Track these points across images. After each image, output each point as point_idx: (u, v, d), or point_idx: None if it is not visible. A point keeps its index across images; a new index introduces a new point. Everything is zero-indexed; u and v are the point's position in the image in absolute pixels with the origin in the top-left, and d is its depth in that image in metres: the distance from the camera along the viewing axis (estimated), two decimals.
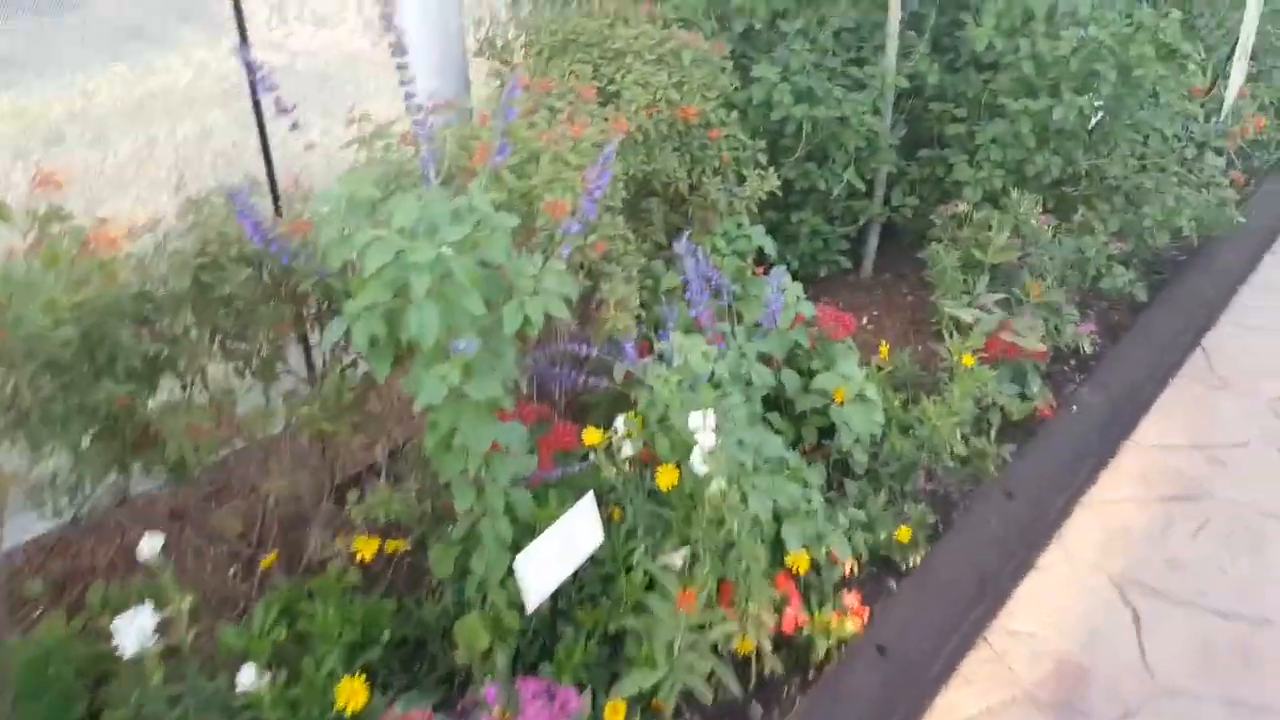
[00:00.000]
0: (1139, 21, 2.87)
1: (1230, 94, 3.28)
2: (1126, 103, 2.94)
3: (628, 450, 1.68)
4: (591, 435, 1.67)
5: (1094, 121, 2.96)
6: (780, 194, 2.70)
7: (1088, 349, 2.72)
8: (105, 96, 4.42)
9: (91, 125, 4.10)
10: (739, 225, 2.41)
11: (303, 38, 5.27)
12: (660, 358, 1.83)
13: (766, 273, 2.32)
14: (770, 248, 2.42)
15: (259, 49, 1.53)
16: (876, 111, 2.84)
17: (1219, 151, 3.52)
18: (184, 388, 1.57)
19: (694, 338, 1.75)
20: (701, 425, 1.57)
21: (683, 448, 1.64)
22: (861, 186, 2.82)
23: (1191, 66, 2.90)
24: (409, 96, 1.45)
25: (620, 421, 1.70)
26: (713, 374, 1.78)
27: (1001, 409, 2.46)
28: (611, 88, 2.25)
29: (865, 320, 2.97)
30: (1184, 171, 3.20)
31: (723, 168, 2.46)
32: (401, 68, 1.45)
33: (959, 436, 2.25)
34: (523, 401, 1.90)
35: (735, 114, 2.52)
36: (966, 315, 2.54)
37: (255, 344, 1.58)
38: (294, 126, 1.44)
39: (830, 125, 2.67)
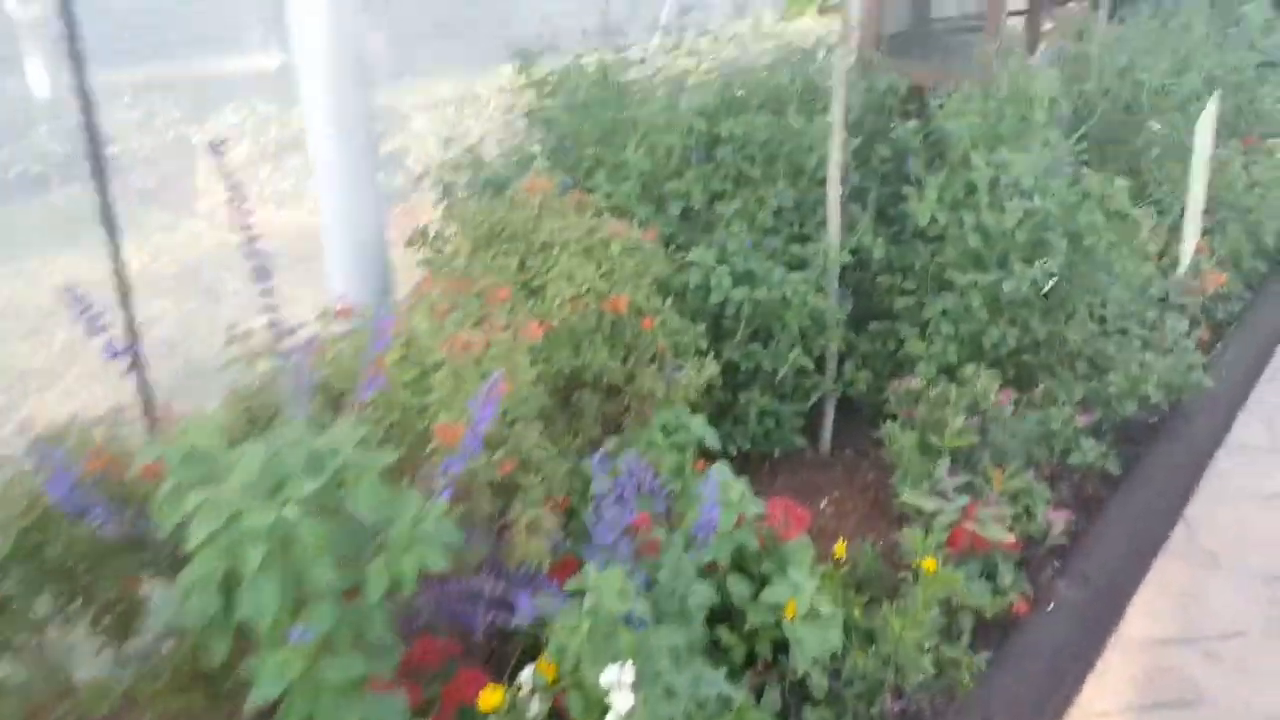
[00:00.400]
0: (1086, 189, 2.83)
1: (1185, 252, 3.23)
2: (1080, 269, 2.87)
3: (535, 709, 1.46)
4: (489, 696, 1.44)
5: (1049, 286, 2.88)
6: (726, 376, 2.58)
7: (1060, 535, 2.53)
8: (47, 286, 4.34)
9: (27, 319, 4.00)
10: (678, 416, 2.26)
11: (264, 216, 5.27)
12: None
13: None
14: (712, 439, 2.26)
15: (216, 230, 1.40)
16: (821, 289, 2.75)
17: (1182, 308, 3.45)
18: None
19: (610, 572, 1.55)
20: (617, 682, 1.35)
21: (599, 707, 1.42)
22: (809, 365, 2.69)
23: (1144, 233, 2.84)
24: (273, 324, 1.31)
25: (527, 674, 1.48)
26: (632, 612, 1.57)
27: (974, 610, 2.25)
28: (536, 282, 2.14)
29: (825, 503, 2.78)
30: (1147, 333, 3.11)
31: (659, 356, 2.33)
32: (265, 292, 1.32)
33: (925, 650, 2.03)
34: (423, 639, 1.68)
35: (672, 299, 2.42)
36: (927, 504, 2.36)
37: (102, 603, 1.37)
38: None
39: (772, 306, 2.57)
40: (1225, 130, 4.64)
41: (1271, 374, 3.62)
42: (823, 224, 2.82)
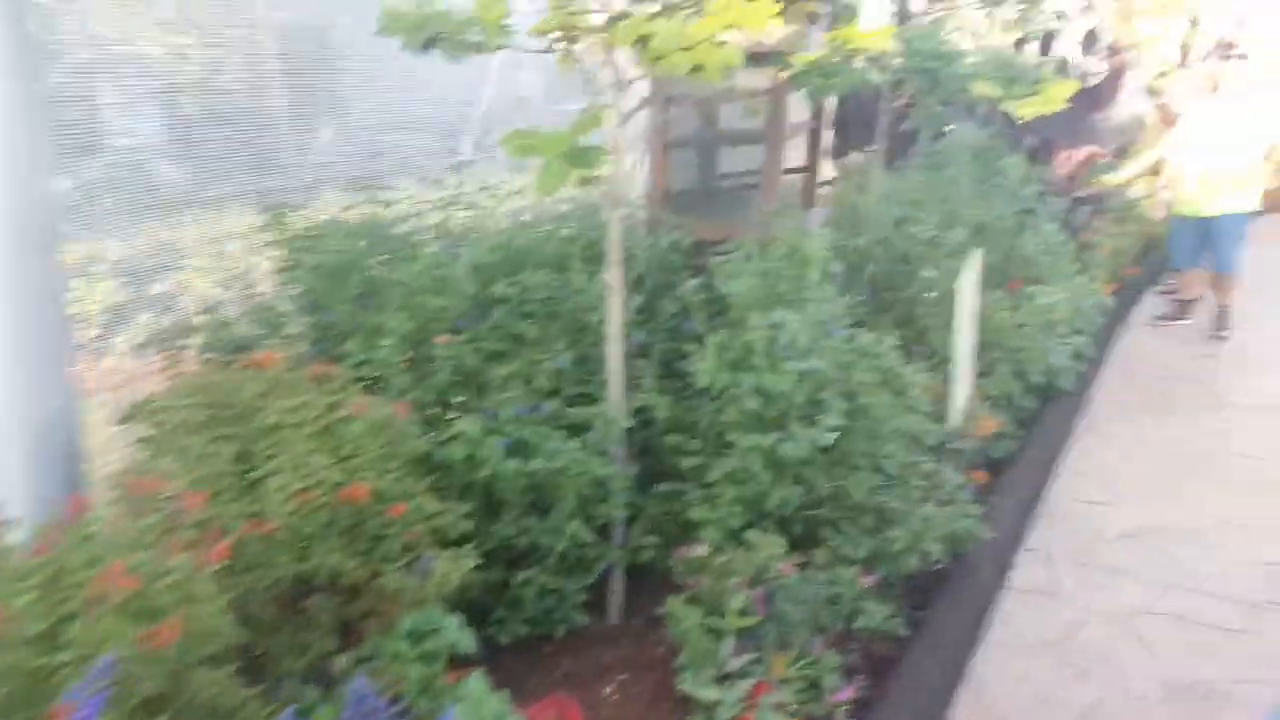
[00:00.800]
0: (859, 347, 2.88)
1: (958, 400, 3.34)
2: (858, 425, 2.89)
3: None
4: None
5: (831, 441, 2.88)
6: (500, 554, 2.37)
7: (846, 711, 2.42)
8: None
9: None
10: (429, 618, 2.02)
11: None
12: None
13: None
14: (468, 642, 2.03)
15: None
16: (603, 454, 2.62)
17: (959, 454, 3.55)
18: None
19: None
20: None
21: None
22: (589, 539, 2.53)
23: (914, 391, 2.90)
24: None
25: None
26: None
27: None
28: (259, 473, 1.89)
29: (609, 689, 2.57)
30: (926, 484, 3.15)
31: (414, 544, 2.10)
32: None
33: None
34: None
35: (435, 476, 2.22)
36: (708, 694, 2.21)
37: None
38: None
39: (550, 477, 2.41)
40: (995, 275, 4.99)
41: (1046, 512, 3.77)
42: (607, 384, 2.72)
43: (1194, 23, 9.21)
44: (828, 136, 6.72)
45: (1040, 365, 4.36)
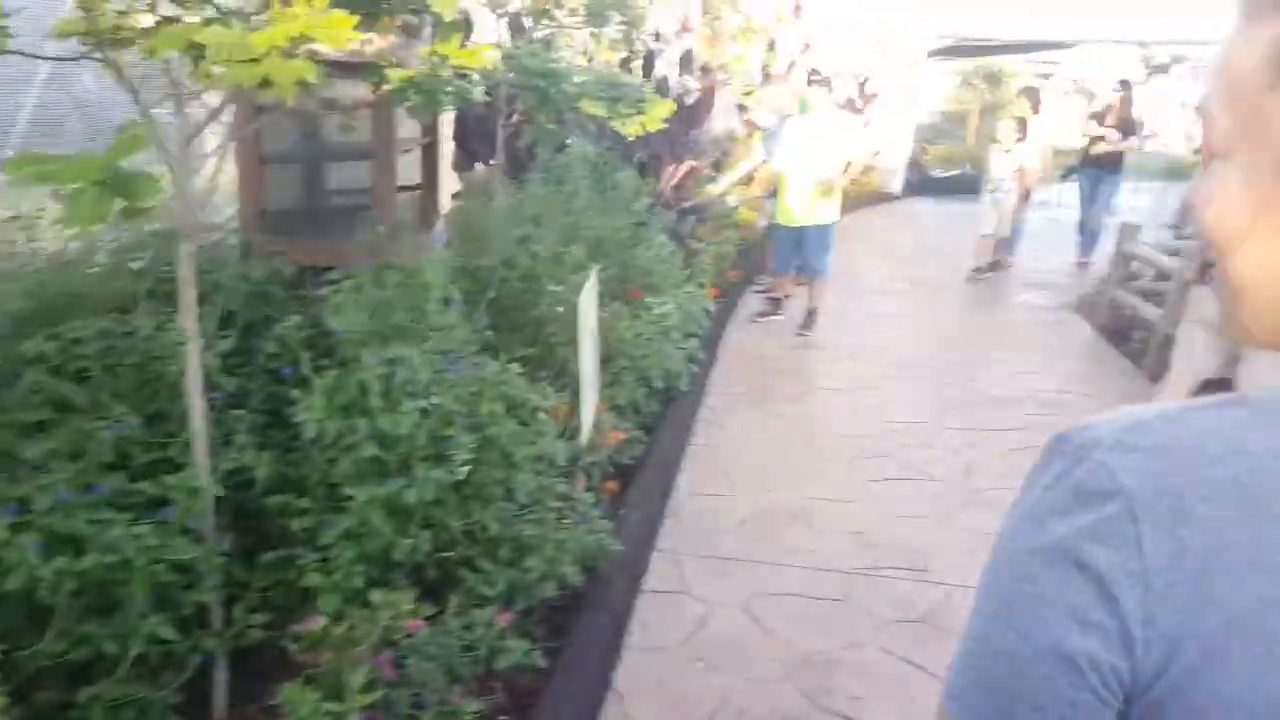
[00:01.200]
0: (483, 379, 2.78)
1: (586, 417, 3.38)
2: (489, 457, 2.79)
3: None
4: None
5: (461, 478, 2.75)
6: (55, 669, 1.93)
7: None
8: None
9: None
10: None
11: None
12: None
13: None
14: None
15: None
16: (188, 531, 2.25)
17: (590, 469, 3.61)
18: None
19: None
20: None
21: None
22: (172, 635, 2.15)
23: (542, 415, 2.87)
24: None
25: None
26: None
27: None
28: None
29: None
30: (561, 506, 3.15)
31: None
32: None
33: None
34: None
35: None
36: None
37: None
38: None
39: (110, 573, 2.00)
40: (615, 287, 5.18)
41: (673, 511, 3.97)
42: (190, 445, 2.34)
43: (771, 46, 10.42)
44: (449, 151, 6.60)
45: (660, 370, 4.60)
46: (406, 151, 3.57)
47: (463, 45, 2.75)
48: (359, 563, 2.45)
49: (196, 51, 1.80)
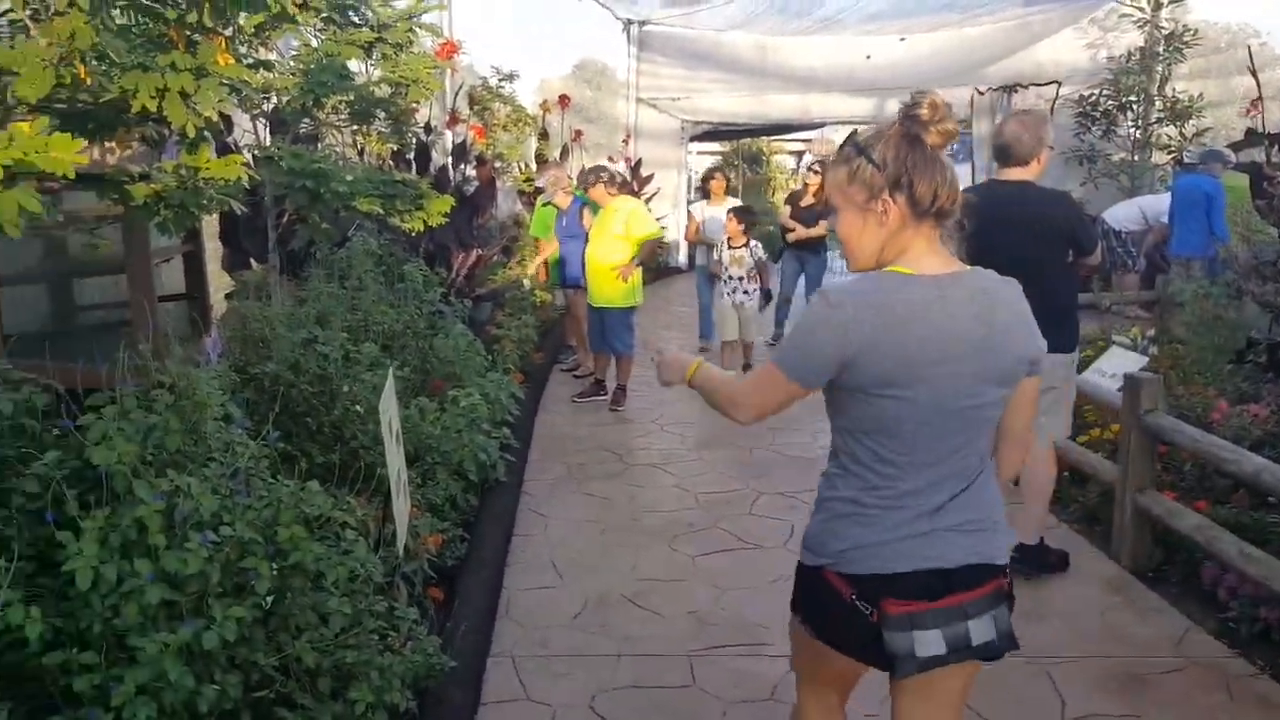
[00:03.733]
0: (278, 500, 2.53)
1: (400, 523, 3.15)
2: (295, 586, 2.53)
3: None
4: None
5: (268, 605, 2.48)
6: None
7: None
8: None
9: None
10: None
11: None
12: None
13: None
14: None
15: None
16: None
17: (410, 576, 3.38)
18: None
19: None
20: None
21: None
22: None
23: (350, 534, 2.65)
24: None
25: None
26: None
27: None
28: None
29: None
30: (385, 627, 2.90)
31: None
32: None
33: None
34: None
35: None
36: None
37: None
38: None
39: None
40: (417, 379, 4.98)
41: (505, 611, 3.78)
42: None
43: (544, 134, 10.68)
44: (217, 251, 6.18)
45: (473, 463, 4.44)
46: (165, 261, 3.28)
47: (218, 149, 2.56)
48: (164, 717, 2.12)
49: None
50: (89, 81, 1.85)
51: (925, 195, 1.69)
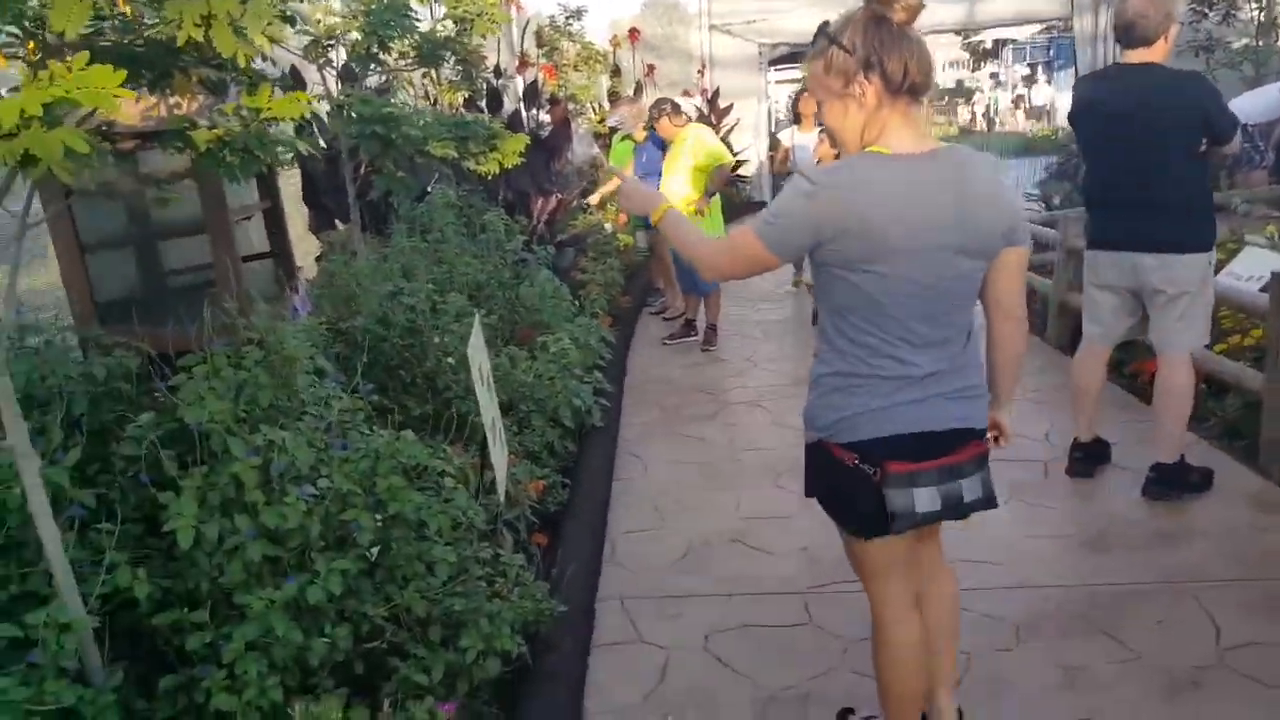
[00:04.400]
0: (375, 451, 2.47)
1: (499, 471, 3.08)
2: (397, 537, 2.48)
3: None
4: None
5: (372, 560, 2.44)
6: None
7: None
8: None
9: None
10: None
11: None
12: None
13: None
14: None
15: None
16: (64, 672, 1.88)
17: (514, 523, 3.33)
18: None
19: None
20: None
21: None
22: None
23: (449, 481, 2.58)
24: None
25: None
26: None
27: None
28: None
29: None
30: (492, 574, 2.84)
31: None
32: None
33: None
34: None
35: None
36: None
37: None
38: None
39: None
40: (506, 328, 4.91)
41: (609, 555, 3.70)
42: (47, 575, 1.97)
43: (615, 71, 10.41)
44: (305, 212, 6.21)
45: (568, 409, 4.35)
46: (246, 219, 3.24)
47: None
48: (272, 674, 2.10)
49: None
50: (129, 12, 1.75)
51: (896, 71, 1.74)
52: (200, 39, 1.84)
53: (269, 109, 2.24)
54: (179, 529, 2.12)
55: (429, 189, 5.83)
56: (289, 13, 2.20)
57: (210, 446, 2.36)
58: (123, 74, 1.53)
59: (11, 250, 1.93)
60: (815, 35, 1.82)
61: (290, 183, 6.42)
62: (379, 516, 2.41)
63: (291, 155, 4.14)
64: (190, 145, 2.20)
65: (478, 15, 4.37)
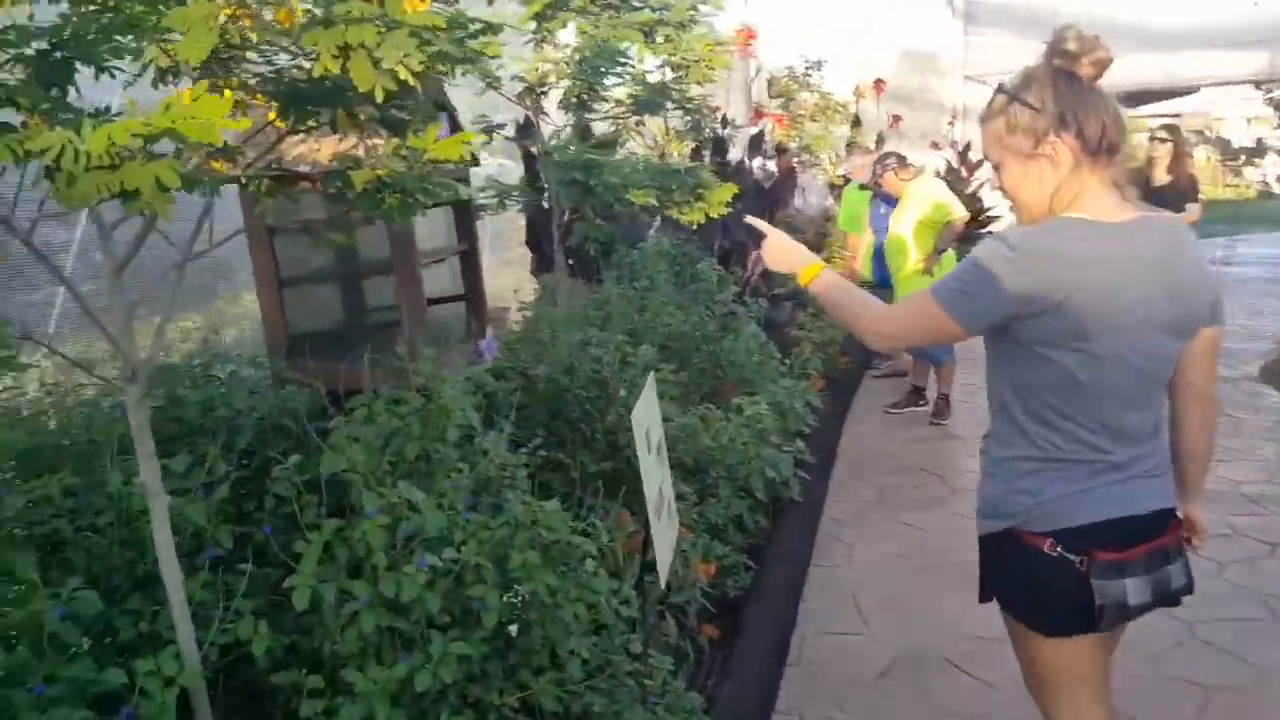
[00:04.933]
0: (513, 519, 2.23)
1: (662, 553, 2.75)
2: (531, 619, 2.22)
3: None
4: None
5: (501, 638, 2.19)
6: None
7: None
8: None
9: None
10: None
11: None
12: None
13: None
14: None
15: None
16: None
17: (681, 607, 2.98)
18: None
19: None
20: None
21: None
22: None
23: (590, 562, 2.28)
24: None
25: None
26: None
27: None
28: None
29: None
30: (638, 668, 2.51)
31: None
32: None
33: None
34: None
35: None
36: None
37: None
38: None
39: None
40: (707, 384, 4.61)
41: (795, 657, 3.24)
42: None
43: (856, 122, 9.97)
44: (524, 258, 6.28)
45: (760, 481, 3.95)
46: (437, 261, 3.18)
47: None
48: None
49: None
50: (256, 39, 1.64)
51: (1094, 131, 1.64)
52: (337, 71, 1.71)
53: (433, 151, 2.09)
54: (298, 592, 1.97)
55: (647, 236, 5.71)
56: (465, 54, 2.03)
57: (351, 499, 2.23)
58: (228, 104, 1.39)
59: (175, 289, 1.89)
60: (993, 95, 1.72)
61: (515, 226, 6.56)
62: (513, 594, 2.16)
63: (497, 200, 4.10)
64: (347, 185, 2.10)
65: (694, 62, 4.16)
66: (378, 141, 2.41)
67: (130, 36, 1.55)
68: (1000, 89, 1.71)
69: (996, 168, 1.74)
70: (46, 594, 1.82)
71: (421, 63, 1.69)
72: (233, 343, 3.20)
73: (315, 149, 2.77)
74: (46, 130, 1.35)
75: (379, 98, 1.67)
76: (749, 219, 2.18)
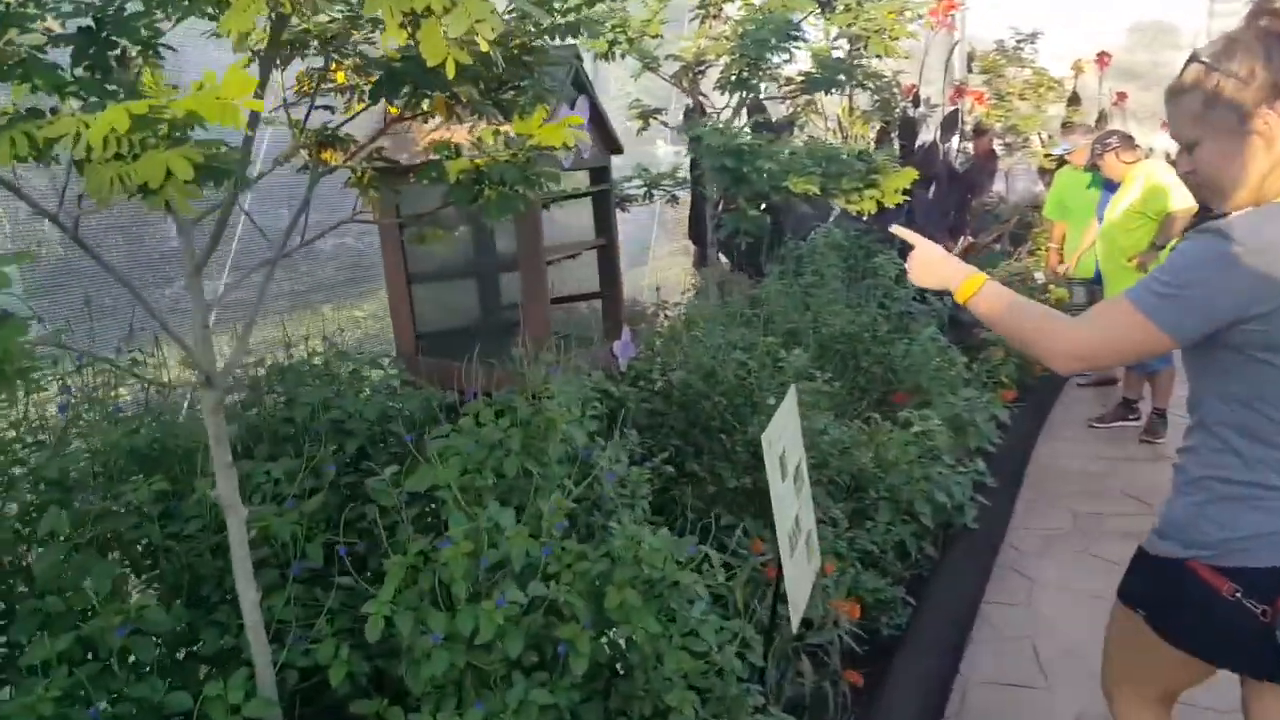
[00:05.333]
0: (612, 552, 1.98)
1: (795, 591, 2.41)
2: (633, 664, 1.96)
3: None
4: None
5: (592, 686, 1.96)
6: None
7: None
8: None
9: None
10: None
11: None
12: None
13: None
14: None
15: None
16: None
17: (821, 650, 2.63)
18: None
19: None
20: None
21: None
22: None
23: (700, 605, 1.99)
24: None
25: None
26: None
27: None
28: None
29: None
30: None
31: None
32: None
33: None
34: None
35: None
36: None
37: None
38: None
39: None
40: (874, 390, 4.21)
41: (956, 709, 2.83)
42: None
43: (1074, 99, 8.96)
44: (688, 250, 6.03)
45: (926, 503, 3.50)
46: (570, 257, 2.98)
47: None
48: None
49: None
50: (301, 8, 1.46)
51: None
52: (404, 41, 1.51)
53: (537, 136, 1.87)
54: (372, 621, 1.82)
55: (820, 226, 5.29)
56: (574, 19, 1.79)
57: (444, 518, 2.06)
58: (253, 84, 1.22)
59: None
60: (1185, 66, 1.53)
61: (679, 218, 6.32)
62: (609, 638, 1.91)
63: (645, 190, 3.85)
64: (442, 176, 1.92)
65: (875, 32, 3.73)
66: (504, 127, 2.21)
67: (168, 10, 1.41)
68: (1194, 57, 1.52)
69: (1188, 149, 1.54)
70: (115, 609, 1.76)
71: (494, 30, 1.46)
72: (370, 339, 3.15)
73: (447, 136, 2.63)
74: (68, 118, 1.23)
75: (449, 73, 1.46)
76: (894, 228, 1.86)
